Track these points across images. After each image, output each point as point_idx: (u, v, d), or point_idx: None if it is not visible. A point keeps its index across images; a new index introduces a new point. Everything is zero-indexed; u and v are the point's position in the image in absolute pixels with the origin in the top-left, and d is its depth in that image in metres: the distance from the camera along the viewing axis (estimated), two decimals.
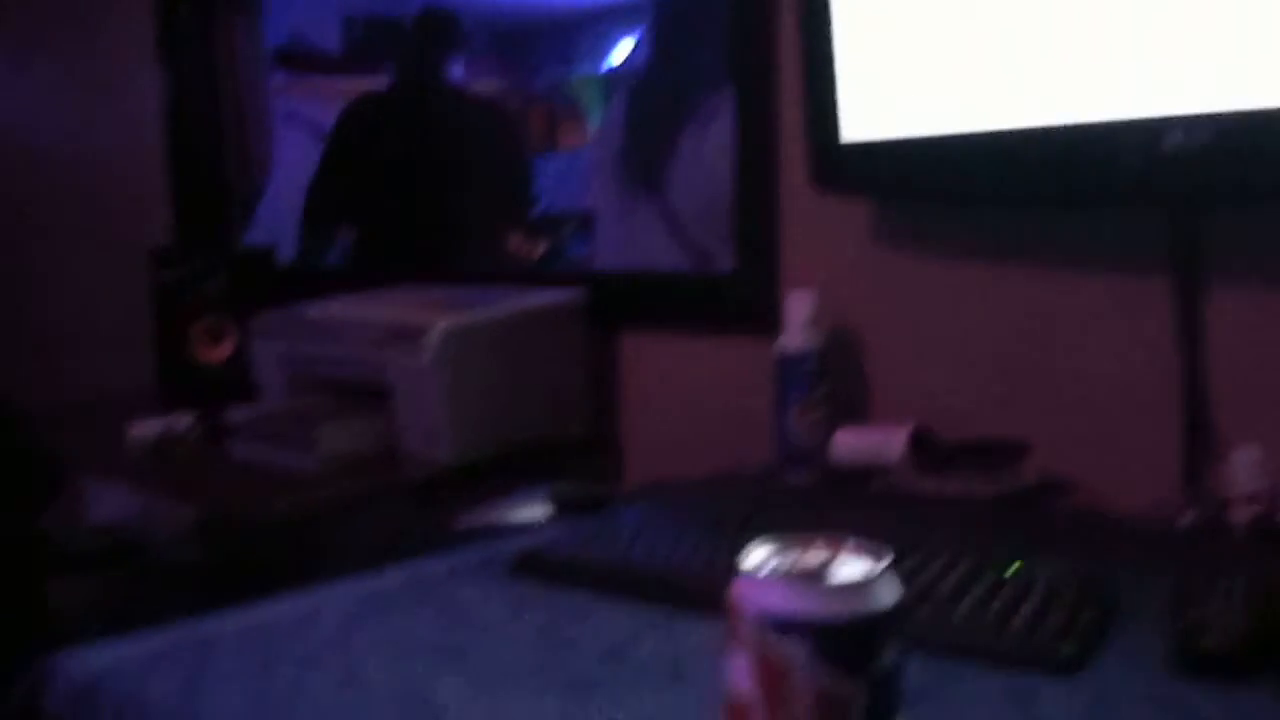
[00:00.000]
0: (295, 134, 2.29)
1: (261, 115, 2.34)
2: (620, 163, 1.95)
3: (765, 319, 1.37)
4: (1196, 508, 0.98)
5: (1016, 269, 1.20)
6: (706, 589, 0.80)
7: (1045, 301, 1.18)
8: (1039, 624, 0.71)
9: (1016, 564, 0.80)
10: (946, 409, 1.23)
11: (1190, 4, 0.94)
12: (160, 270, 2.00)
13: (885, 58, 1.13)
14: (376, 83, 2.14)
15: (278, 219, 2.28)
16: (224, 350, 1.94)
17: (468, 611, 0.82)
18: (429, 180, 2.05)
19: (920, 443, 1.19)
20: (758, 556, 0.49)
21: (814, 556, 0.49)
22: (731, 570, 0.82)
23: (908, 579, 0.48)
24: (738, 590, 0.48)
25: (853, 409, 1.30)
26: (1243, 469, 0.96)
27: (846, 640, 0.45)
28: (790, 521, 0.68)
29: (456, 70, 2.23)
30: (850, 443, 1.22)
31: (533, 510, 1.17)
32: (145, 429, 1.59)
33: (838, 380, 1.27)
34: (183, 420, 1.61)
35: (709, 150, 1.82)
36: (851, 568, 0.48)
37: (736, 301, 1.45)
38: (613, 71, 1.93)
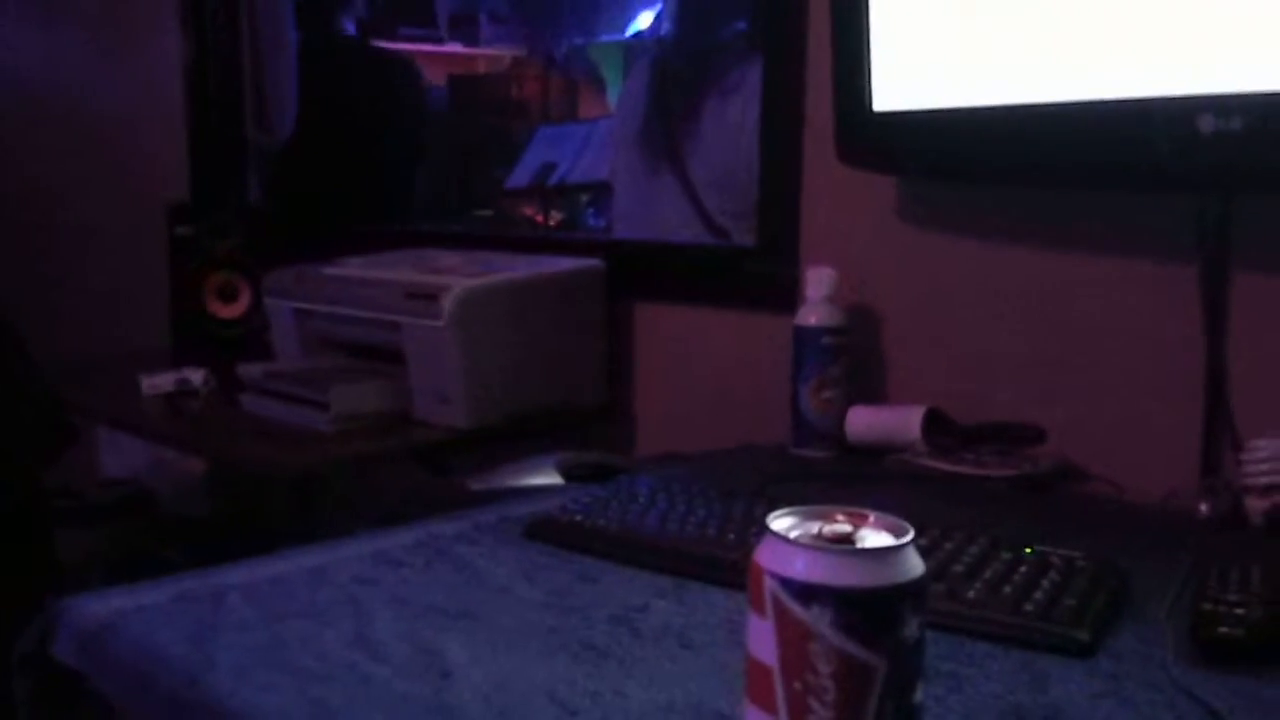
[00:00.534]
0: None
1: (281, 76, 2.34)
2: (641, 134, 1.94)
3: (784, 294, 1.36)
4: (1214, 497, 0.98)
5: (1039, 251, 1.18)
6: (717, 559, 0.80)
7: (1068, 284, 1.16)
8: (1053, 606, 0.71)
9: (1031, 547, 0.79)
10: (964, 391, 1.22)
11: None
12: (176, 226, 2.00)
13: (920, 26, 1.12)
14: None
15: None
16: (239, 307, 1.94)
17: (478, 573, 0.82)
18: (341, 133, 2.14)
19: (936, 423, 1.18)
20: (781, 524, 0.48)
21: (836, 527, 0.48)
22: (742, 541, 0.82)
23: (923, 555, 0.48)
24: (761, 556, 0.47)
25: (869, 387, 1.29)
26: (1262, 459, 0.95)
27: (870, 609, 0.45)
28: (803, 495, 0.68)
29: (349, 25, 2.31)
30: (866, 420, 1.22)
31: (545, 475, 1.16)
32: (158, 383, 1.59)
33: (855, 358, 1.26)
34: (196, 375, 1.61)
35: (731, 123, 1.80)
36: (875, 539, 0.47)
37: (756, 276, 1.44)
38: (635, 38, 1.90)
